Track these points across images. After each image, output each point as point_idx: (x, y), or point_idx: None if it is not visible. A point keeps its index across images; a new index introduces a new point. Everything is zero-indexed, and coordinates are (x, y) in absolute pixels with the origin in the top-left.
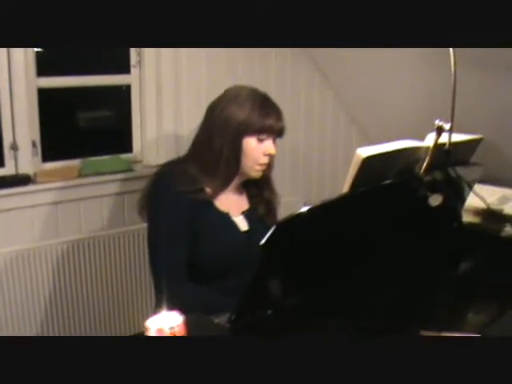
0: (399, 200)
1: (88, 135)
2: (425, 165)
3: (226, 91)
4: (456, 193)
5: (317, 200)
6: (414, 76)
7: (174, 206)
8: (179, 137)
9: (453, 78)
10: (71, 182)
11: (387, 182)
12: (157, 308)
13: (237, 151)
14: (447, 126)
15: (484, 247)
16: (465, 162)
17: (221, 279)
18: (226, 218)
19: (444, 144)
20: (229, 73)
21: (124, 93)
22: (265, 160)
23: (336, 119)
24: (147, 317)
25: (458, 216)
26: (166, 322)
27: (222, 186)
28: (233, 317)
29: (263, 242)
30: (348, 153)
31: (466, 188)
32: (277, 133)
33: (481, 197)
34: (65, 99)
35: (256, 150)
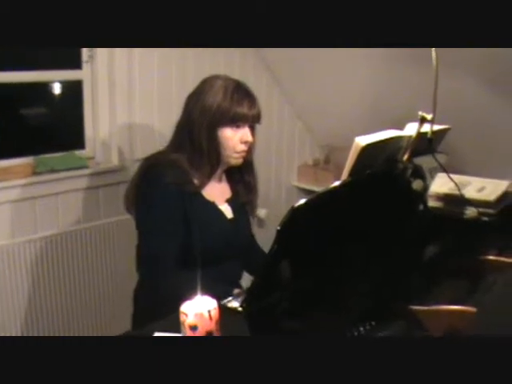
0: (386, 186)
1: (36, 132)
2: (408, 153)
3: (202, 82)
4: (422, 179)
5: (263, 192)
6: (358, 74)
7: (165, 198)
8: (133, 133)
9: (435, 74)
10: (26, 180)
11: (379, 169)
12: (142, 299)
13: (214, 142)
14: (429, 117)
15: (450, 228)
16: (434, 151)
17: (210, 267)
18: (213, 207)
19: (423, 133)
20: (179, 70)
21: (75, 88)
22: (242, 147)
23: (281, 114)
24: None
25: (424, 200)
26: (204, 306)
27: (208, 177)
28: (245, 302)
29: (280, 225)
30: (291, 147)
31: (429, 175)
32: (251, 120)
33: (455, 183)
34: (5, 95)
35: (232, 139)
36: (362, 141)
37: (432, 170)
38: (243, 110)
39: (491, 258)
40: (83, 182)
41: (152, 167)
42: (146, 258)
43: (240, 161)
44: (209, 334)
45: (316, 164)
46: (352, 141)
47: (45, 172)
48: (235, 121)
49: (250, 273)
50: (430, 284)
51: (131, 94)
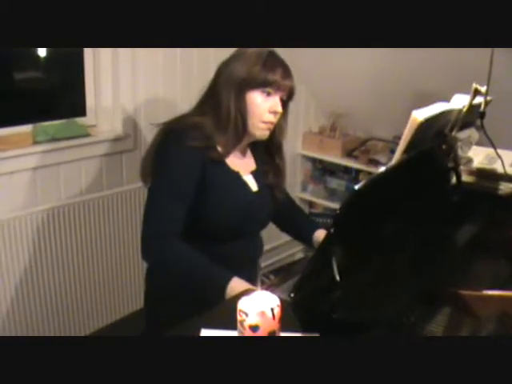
0: (435, 163)
1: (33, 98)
2: (458, 126)
3: (235, 51)
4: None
5: None
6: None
7: (185, 161)
8: (136, 99)
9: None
10: (25, 150)
11: (431, 145)
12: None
13: (241, 107)
14: (483, 89)
15: (486, 204)
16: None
17: (220, 243)
18: (237, 177)
19: (474, 106)
20: None
21: (75, 52)
22: (270, 118)
23: None
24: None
25: (459, 175)
26: (265, 304)
27: (233, 145)
28: (293, 292)
29: (340, 209)
30: (296, 114)
31: (460, 149)
32: (283, 90)
33: (500, 157)
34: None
35: (260, 106)
36: (420, 115)
37: (461, 144)
38: (275, 76)
39: None
40: (85, 151)
41: (172, 130)
42: (148, 218)
43: (266, 133)
44: (271, 334)
45: (322, 131)
46: (356, 108)
47: (45, 141)
48: (266, 86)
49: (295, 237)
50: (471, 266)
51: (135, 59)
